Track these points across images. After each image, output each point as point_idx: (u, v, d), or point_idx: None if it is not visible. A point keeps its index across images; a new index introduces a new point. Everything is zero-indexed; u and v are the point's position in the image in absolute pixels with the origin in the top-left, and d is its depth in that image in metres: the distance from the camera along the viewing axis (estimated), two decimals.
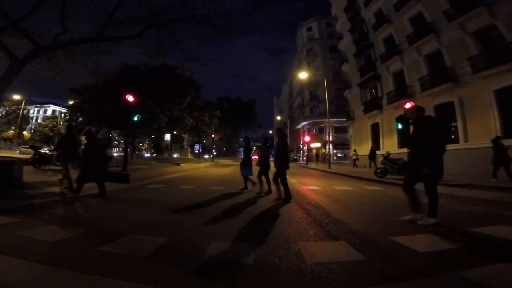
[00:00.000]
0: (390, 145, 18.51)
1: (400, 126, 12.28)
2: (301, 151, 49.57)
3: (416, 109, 4.09)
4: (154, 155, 45.80)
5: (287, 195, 5.58)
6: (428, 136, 3.52)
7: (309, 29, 50.45)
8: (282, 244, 2.67)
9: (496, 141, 8.93)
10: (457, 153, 13.06)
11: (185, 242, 2.74)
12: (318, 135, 43.72)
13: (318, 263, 2.16)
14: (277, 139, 6.34)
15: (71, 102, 32.07)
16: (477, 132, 12.69)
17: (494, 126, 11.86)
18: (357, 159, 21.30)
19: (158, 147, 46.12)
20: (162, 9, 10.75)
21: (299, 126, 50.37)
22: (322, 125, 43.25)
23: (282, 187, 5.67)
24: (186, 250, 2.50)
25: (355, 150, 22.58)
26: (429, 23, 15.58)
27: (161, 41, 11.47)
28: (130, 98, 9.69)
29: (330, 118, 23.66)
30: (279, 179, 5.73)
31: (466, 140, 13.21)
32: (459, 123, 13.69)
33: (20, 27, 9.23)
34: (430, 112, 14.86)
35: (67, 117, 49.34)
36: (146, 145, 59.14)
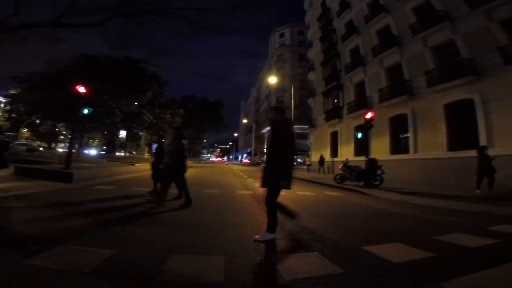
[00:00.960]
0: (347, 153, 19.62)
1: (359, 135, 12.97)
2: (264, 155, 50.14)
3: (276, 109, 3.53)
4: (103, 152, 41.76)
5: (187, 201, 4.97)
6: (282, 143, 3.05)
7: (282, 35, 51.67)
8: (254, 257, 2.38)
9: (481, 151, 8.62)
10: (408, 162, 14.38)
11: (137, 255, 2.27)
12: None
13: (296, 279, 1.93)
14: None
15: (13, 92, 27.99)
16: (426, 144, 13.83)
17: (442, 139, 12.96)
18: (310, 164, 23.58)
19: (111, 144, 42.23)
20: None
21: (264, 131, 50.97)
22: None
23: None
24: (138, 265, 2.06)
25: (308, 157, 24.92)
26: (395, 36, 16.31)
27: (127, 32, 10.50)
28: (82, 89, 8.56)
29: (293, 124, 24.29)
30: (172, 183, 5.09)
31: (415, 151, 14.37)
32: (410, 134, 14.78)
33: None
34: (385, 123, 16.18)
35: (7, 107, 42.42)
36: (97, 141, 53.65)
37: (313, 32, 28.64)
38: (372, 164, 10.54)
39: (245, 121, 73.16)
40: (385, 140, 16.37)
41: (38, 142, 43.13)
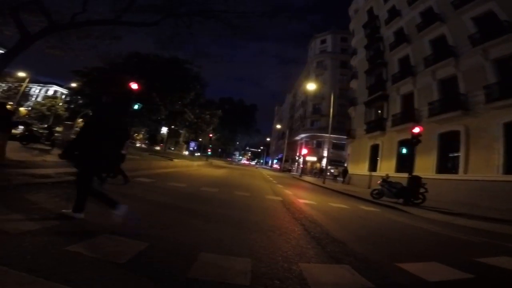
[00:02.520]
0: (387, 168, 18.34)
1: (404, 150, 12.13)
2: (296, 162, 49.31)
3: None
4: (144, 146, 45.07)
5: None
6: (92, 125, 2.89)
7: (323, 41, 50.62)
8: (281, 264, 2.35)
9: None
10: (455, 183, 13.07)
11: (170, 250, 2.37)
12: (315, 149, 43.57)
13: None
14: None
15: (74, 85, 31.65)
16: (479, 165, 12.46)
17: (497, 161, 11.60)
18: (338, 175, 26.21)
19: (154, 139, 45.45)
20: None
21: (298, 138, 50.22)
22: (320, 140, 43.17)
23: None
24: (170, 260, 2.15)
25: (336, 168, 28.48)
26: (451, 47, 15.24)
27: (176, 33, 11.39)
28: (134, 85, 9.44)
29: (330, 133, 23.57)
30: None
31: (465, 172, 12.99)
32: (461, 154, 13.40)
33: (41, 3, 9.01)
34: (434, 139, 14.85)
35: (68, 99, 48.63)
36: (141, 136, 58.37)
37: (358, 40, 27.77)
38: (416, 181, 9.96)
39: (278, 126, 72.94)
40: (431, 157, 15.03)
41: None
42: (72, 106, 42.56)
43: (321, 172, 26.25)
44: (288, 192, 10.15)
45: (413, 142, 10.52)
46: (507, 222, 6.77)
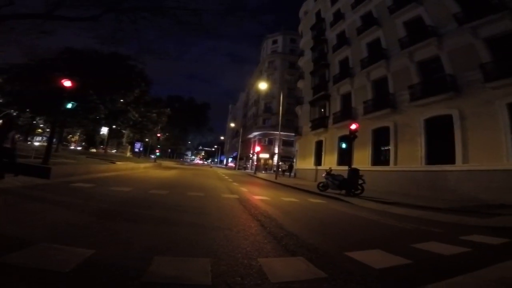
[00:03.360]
0: (330, 162, 20.04)
1: (344, 145, 13.30)
2: (250, 160, 50.11)
3: None
4: (79, 148, 40.07)
5: None
6: None
7: (275, 41, 52.17)
8: (241, 260, 2.39)
9: None
10: (387, 174, 14.92)
11: (120, 256, 2.22)
12: (267, 146, 45.01)
13: (283, 283, 1.97)
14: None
15: None
16: (405, 157, 14.37)
17: (420, 153, 13.47)
18: (285, 170, 28.44)
19: (91, 140, 40.60)
20: None
21: (251, 136, 51.06)
22: (272, 137, 44.72)
23: None
24: (121, 266, 2.00)
25: (284, 163, 31.71)
26: (383, 49, 16.73)
27: (118, 28, 10.29)
28: (67, 83, 8.26)
29: (280, 131, 24.64)
30: None
31: (395, 163, 14.90)
32: (391, 147, 15.33)
33: None
34: (368, 134, 16.66)
35: None
36: (76, 137, 51.39)
37: (306, 41, 29.11)
38: (354, 173, 10.87)
39: (232, 125, 72.90)
40: (367, 151, 16.85)
41: (13, 132, 40.71)
42: None
43: (283, 170, 28.15)
44: (244, 189, 10.27)
45: (350, 138, 11.63)
46: (431, 209, 7.89)
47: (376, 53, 17.44)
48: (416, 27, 14.82)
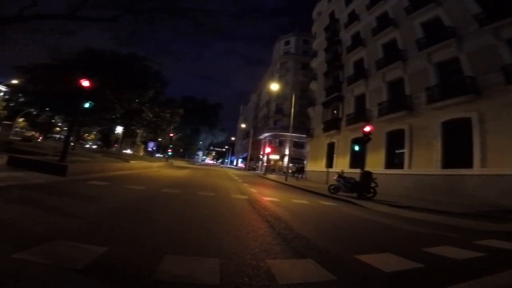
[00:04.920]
0: (342, 165, 19.75)
1: (356, 148, 13.07)
2: (260, 161, 50.14)
3: None
4: (95, 147, 41.43)
5: None
6: None
7: (287, 43, 52.14)
8: (250, 261, 2.39)
9: None
10: (401, 177, 14.52)
11: (132, 254, 2.26)
12: (278, 147, 44.87)
13: (291, 285, 1.96)
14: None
15: (15, 81, 27.82)
16: (421, 160, 13.93)
17: (436, 156, 13.03)
18: (296, 172, 26.99)
19: (107, 139, 41.86)
20: None
21: (262, 137, 51.13)
22: (282, 139, 44.58)
23: None
24: (133, 264, 2.04)
25: (293, 165, 30.11)
26: (400, 50, 16.31)
27: (136, 29, 10.63)
28: (86, 83, 8.59)
29: (291, 133, 24.51)
30: None
31: (410, 167, 14.48)
32: (406, 150, 14.89)
33: None
34: (382, 137, 16.28)
35: (6, 97, 42.16)
36: (93, 136, 53.23)
37: (319, 42, 28.95)
38: (367, 176, 10.73)
39: (243, 125, 73.28)
40: (380, 154, 16.51)
41: (33, 132, 42.79)
42: (12, 104, 37.01)
43: (293, 172, 27.07)
44: (254, 190, 10.28)
45: (364, 140, 11.44)
46: (446, 213, 7.67)
47: (393, 54, 17.13)
48: (435, 28, 14.43)
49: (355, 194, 10.66)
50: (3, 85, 48.49)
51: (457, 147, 12.41)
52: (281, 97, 46.18)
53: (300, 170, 27.23)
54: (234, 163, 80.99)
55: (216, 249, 2.66)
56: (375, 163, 16.01)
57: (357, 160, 16.73)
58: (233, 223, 4.06)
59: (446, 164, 12.66)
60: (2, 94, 53.02)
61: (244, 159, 58.54)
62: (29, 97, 25.71)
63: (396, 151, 16.12)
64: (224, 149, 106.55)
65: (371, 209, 8.08)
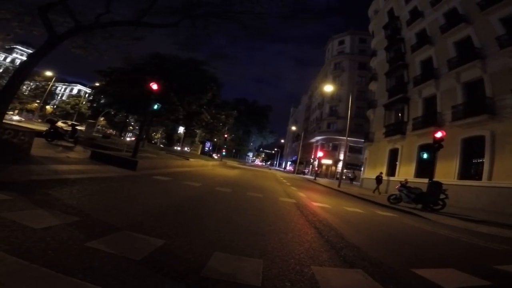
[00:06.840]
0: (406, 173, 17.68)
1: (425, 155, 11.69)
2: (311, 165, 48.67)
3: None
4: (161, 145, 46.40)
5: None
6: None
7: (341, 42, 49.52)
8: (293, 266, 2.33)
9: None
10: (477, 189, 12.54)
11: (185, 249, 2.41)
12: (331, 152, 42.78)
13: None
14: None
15: (97, 84, 33.26)
16: (504, 171, 11.73)
17: None
18: (354, 178, 24.84)
19: (170, 138, 46.51)
20: (200, 1, 10.89)
21: (313, 140, 49.58)
22: (336, 143, 42.33)
23: None
24: (185, 258, 2.19)
25: (351, 170, 27.77)
26: (477, 49, 14.64)
27: (193, 34, 11.64)
28: (154, 86, 9.72)
29: (347, 136, 23.06)
30: None
31: (490, 178, 12.29)
32: (486, 159, 12.67)
33: (67, 5, 9.55)
34: (456, 144, 14.17)
35: (91, 98, 51.18)
36: (159, 135, 60.14)
37: (378, 41, 27.25)
38: (436, 187, 9.61)
39: (293, 128, 72.34)
40: (453, 163, 14.38)
41: (111, 130, 50.64)
42: (95, 105, 44.63)
43: (350, 179, 24.49)
44: (302, 194, 10.04)
45: (435, 147, 10.09)
46: None
47: (467, 52, 15.14)
48: None
49: (419, 206, 9.61)
50: (88, 87, 58.64)
51: None
52: (335, 98, 44.00)
53: (378, 180, 17.20)
54: (283, 166, 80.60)
55: (260, 251, 2.66)
56: (446, 172, 14.00)
57: (424, 168, 14.98)
58: (279, 226, 4.01)
59: None
60: (87, 95, 64.36)
61: (293, 162, 57.67)
62: (108, 98, 30.06)
63: (473, 161, 13.88)
64: (273, 151, 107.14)
65: (438, 222, 7.16)
